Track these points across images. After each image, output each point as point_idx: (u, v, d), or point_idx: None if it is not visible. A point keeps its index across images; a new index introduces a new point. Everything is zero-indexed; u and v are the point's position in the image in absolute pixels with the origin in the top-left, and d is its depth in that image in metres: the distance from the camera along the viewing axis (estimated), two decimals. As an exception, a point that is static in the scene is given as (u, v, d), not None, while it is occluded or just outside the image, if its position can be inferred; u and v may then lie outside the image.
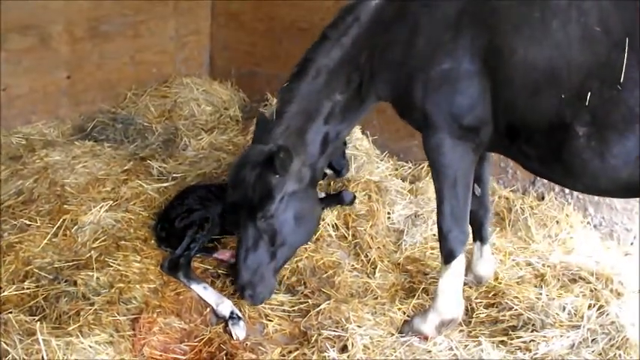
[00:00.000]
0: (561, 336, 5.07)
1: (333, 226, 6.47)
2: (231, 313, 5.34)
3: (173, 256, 5.76)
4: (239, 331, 5.23)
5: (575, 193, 6.75)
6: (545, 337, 5.08)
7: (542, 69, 4.35)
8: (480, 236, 5.75)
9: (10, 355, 4.57)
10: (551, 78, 4.32)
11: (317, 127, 5.37)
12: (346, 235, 6.43)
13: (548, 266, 5.98)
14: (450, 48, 4.69)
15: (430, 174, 5.33)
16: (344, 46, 5.21)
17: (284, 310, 5.54)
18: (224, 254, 5.95)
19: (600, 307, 5.32)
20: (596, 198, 6.63)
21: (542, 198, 6.99)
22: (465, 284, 5.63)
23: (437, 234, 5.26)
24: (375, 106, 5.58)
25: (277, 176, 5.20)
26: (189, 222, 5.88)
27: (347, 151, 6.94)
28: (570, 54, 4.26)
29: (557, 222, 6.62)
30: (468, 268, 5.70)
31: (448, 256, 5.14)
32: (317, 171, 5.56)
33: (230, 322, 5.26)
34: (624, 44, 4.08)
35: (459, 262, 5.16)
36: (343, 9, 5.28)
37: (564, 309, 5.33)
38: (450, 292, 5.18)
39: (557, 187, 6.83)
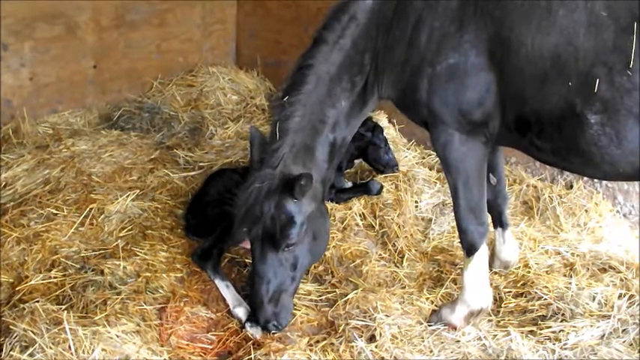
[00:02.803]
0: (591, 326, 5.02)
1: (360, 215, 6.45)
2: (248, 316, 5.22)
3: (205, 245, 5.71)
4: (255, 332, 5.13)
5: (604, 182, 6.68)
6: (574, 327, 5.03)
7: (549, 57, 4.29)
8: (500, 223, 5.70)
9: (36, 344, 4.58)
10: (558, 66, 4.26)
11: (324, 139, 5.08)
12: (373, 224, 6.41)
13: (577, 255, 5.93)
14: (455, 42, 4.60)
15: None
16: (344, 49, 4.97)
17: (311, 300, 5.53)
18: (250, 243, 5.94)
19: (631, 296, 5.27)
20: (625, 186, 6.56)
21: (571, 186, 6.92)
22: (494, 273, 5.60)
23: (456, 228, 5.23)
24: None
25: (295, 201, 4.90)
26: (221, 212, 5.75)
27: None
28: (577, 41, 4.20)
29: (586, 211, 6.57)
30: (493, 254, 5.69)
31: (469, 250, 5.11)
32: (326, 184, 5.26)
33: (247, 325, 5.15)
34: (632, 29, 4.02)
35: (481, 254, 5.11)
36: (334, 9, 5.06)
37: (594, 299, 5.29)
38: (476, 283, 5.14)
39: (585, 176, 6.75)
